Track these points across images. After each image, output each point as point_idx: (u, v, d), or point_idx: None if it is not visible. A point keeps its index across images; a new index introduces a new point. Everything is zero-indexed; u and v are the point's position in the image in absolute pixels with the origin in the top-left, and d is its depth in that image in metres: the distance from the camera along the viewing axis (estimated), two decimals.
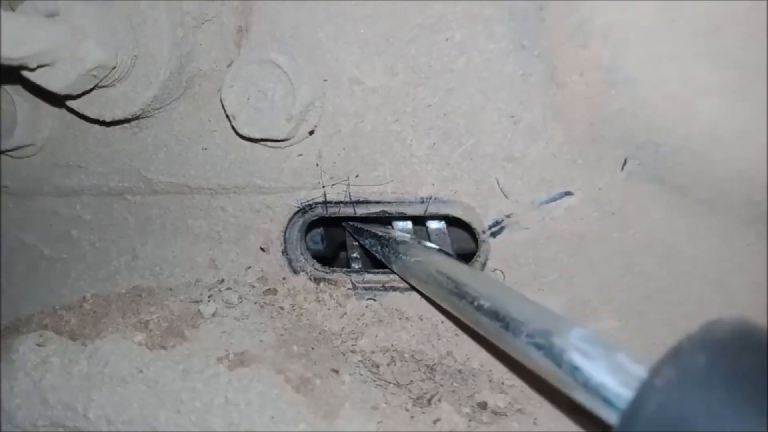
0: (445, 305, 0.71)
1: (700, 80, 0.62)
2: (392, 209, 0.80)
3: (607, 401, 0.46)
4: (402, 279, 0.82)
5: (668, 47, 0.63)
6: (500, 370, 0.79)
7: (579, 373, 0.48)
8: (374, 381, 0.73)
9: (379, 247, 0.86)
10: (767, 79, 0.61)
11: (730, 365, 0.41)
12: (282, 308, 0.82)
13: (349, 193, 0.80)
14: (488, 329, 0.60)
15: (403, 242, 0.82)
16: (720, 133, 0.64)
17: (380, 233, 0.87)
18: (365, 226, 0.90)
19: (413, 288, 0.81)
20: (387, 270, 0.86)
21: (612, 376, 0.46)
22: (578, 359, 0.49)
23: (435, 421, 0.68)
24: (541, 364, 0.52)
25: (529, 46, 0.68)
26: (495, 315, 0.59)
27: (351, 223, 0.91)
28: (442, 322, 0.82)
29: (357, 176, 0.79)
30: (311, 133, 0.77)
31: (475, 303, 0.62)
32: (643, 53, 0.64)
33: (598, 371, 0.47)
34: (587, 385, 0.48)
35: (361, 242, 0.91)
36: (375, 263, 1.01)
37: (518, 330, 0.55)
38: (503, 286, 0.67)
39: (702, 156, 0.65)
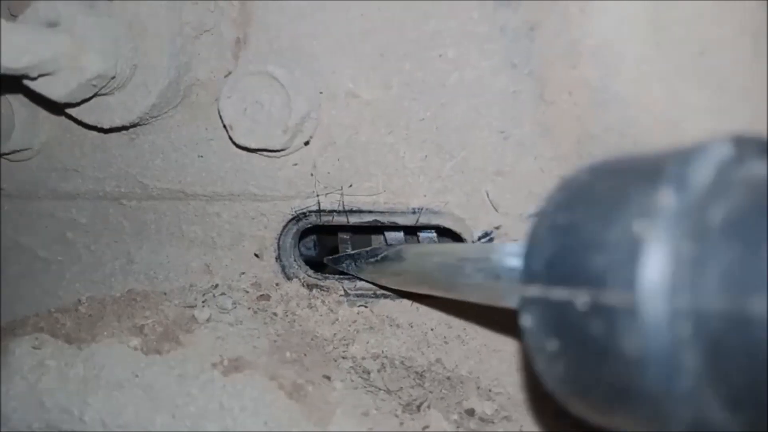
0: (411, 284, 0.76)
1: (687, 101, 0.64)
2: (384, 219, 0.82)
3: None
4: (375, 284, 0.85)
5: (656, 69, 0.64)
6: (488, 378, 0.81)
7: (516, 271, 0.48)
8: (365, 387, 0.75)
9: (353, 264, 0.87)
10: (751, 101, 0.63)
11: (613, 170, 0.41)
12: (275, 314, 0.83)
13: (343, 202, 0.81)
14: (442, 281, 0.64)
15: (372, 249, 0.85)
16: None
17: (352, 252, 0.90)
18: (341, 254, 0.91)
19: (393, 291, 0.84)
20: None
21: None
22: (514, 261, 0.50)
23: (424, 428, 0.70)
24: (487, 286, 0.53)
25: (519, 64, 0.70)
26: (444, 264, 0.63)
27: (329, 257, 0.92)
28: (432, 329, 0.83)
29: (350, 186, 0.80)
30: (307, 143, 0.78)
31: (428, 262, 0.68)
32: (631, 74, 0.66)
33: None
34: None
35: (343, 270, 0.91)
36: None
37: (463, 267, 0.58)
38: (451, 245, 0.75)
39: None
